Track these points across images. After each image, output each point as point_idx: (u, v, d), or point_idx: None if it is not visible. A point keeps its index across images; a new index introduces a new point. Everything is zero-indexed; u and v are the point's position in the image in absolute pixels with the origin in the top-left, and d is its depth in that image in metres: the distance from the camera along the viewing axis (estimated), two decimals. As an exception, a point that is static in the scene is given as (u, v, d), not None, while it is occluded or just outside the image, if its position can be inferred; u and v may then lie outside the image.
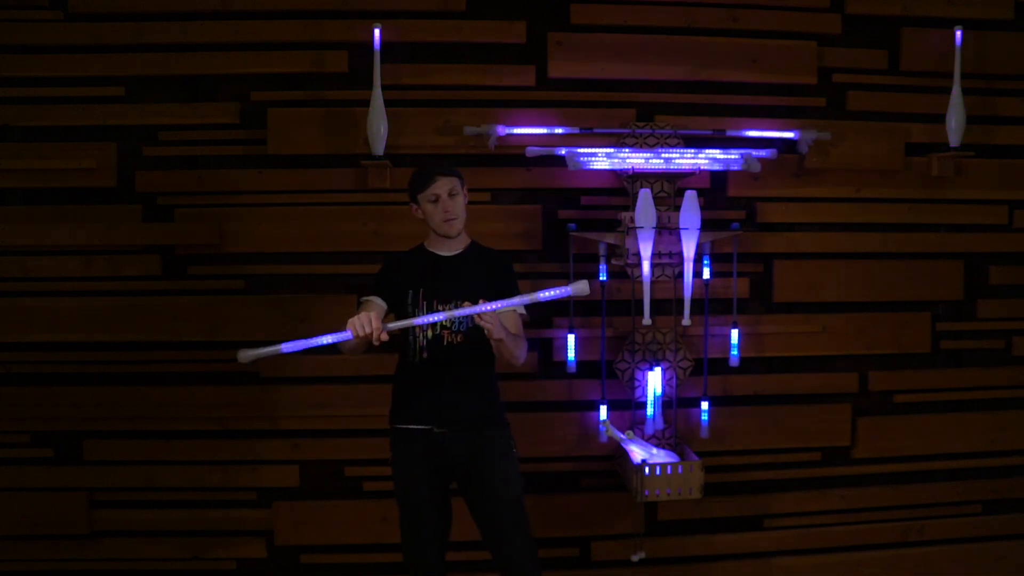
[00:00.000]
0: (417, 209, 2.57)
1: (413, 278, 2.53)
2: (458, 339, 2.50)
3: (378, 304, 2.50)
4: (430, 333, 2.50)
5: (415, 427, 2.52)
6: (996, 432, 3.43)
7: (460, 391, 2.51)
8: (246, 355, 2.29)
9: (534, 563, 2.51)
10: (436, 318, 2.34)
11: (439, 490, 2.54)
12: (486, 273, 2.56)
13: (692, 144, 3.16)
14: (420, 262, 2.59)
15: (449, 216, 2.51)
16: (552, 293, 2.27)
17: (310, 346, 2.30)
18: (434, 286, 2.51)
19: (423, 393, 2.51)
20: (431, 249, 2.61)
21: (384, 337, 2.26)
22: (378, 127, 2.98)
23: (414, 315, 2.43)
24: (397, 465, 2.56)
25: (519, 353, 2.47)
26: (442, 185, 2.50)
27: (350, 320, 2.26)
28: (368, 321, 2.23)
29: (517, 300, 2.29)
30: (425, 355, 2.51)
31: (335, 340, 2.30)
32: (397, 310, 2.53)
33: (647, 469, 2.90)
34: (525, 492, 2.58)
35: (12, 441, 3.13)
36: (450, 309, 2.42)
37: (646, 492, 2.90)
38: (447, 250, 2.59)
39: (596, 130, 3.13)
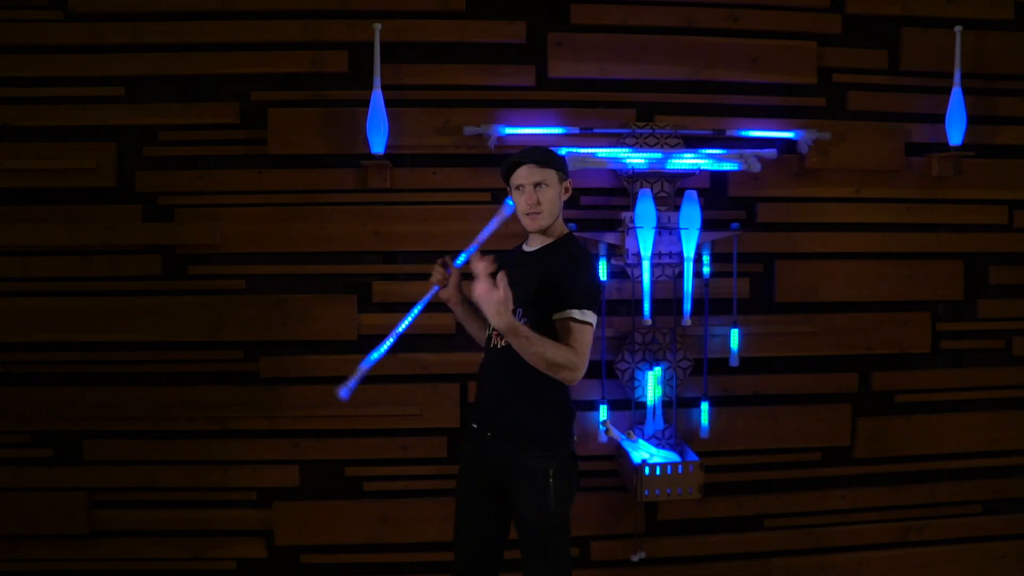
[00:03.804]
0: None
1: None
2: (502, 342, 2.26)
3: None
4: (489, 333, 2.37)
5: (471, 425, 2.40)
6: (996, 432, 3.43)
7: (500, 396, 2.30)
8: (347, 390, 2.30)
9: None
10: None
11: (480, 492, 2.36)
12: (542, 271, 2.24)
13: (692, 144, 3.16)
14: (509, 259, 2.33)
15: (531, 210, 2.24)
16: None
17: (396, 336, 2.35)
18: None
19: (478, 392, 2.42)
20: (523, 245, 2.41)
21: (447, 281, 2.36)
22: (378, 127, 2.98)
23: None
24: (460, 460, 2.47)
25: (535, 361, 2.11)
26: (527, 175, 2.23)
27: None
28: (440, 268, 2.37)
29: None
30: (484, 355, 2.40)
31: (423, 304, 2.35)
32: None
33: (647, 469, 2.90)
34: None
35: (12, 441, 3.14)
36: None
37: (646, 492, 2.90)
38: (530, 246, 2.37)
39: (596, 130, 3.13)
